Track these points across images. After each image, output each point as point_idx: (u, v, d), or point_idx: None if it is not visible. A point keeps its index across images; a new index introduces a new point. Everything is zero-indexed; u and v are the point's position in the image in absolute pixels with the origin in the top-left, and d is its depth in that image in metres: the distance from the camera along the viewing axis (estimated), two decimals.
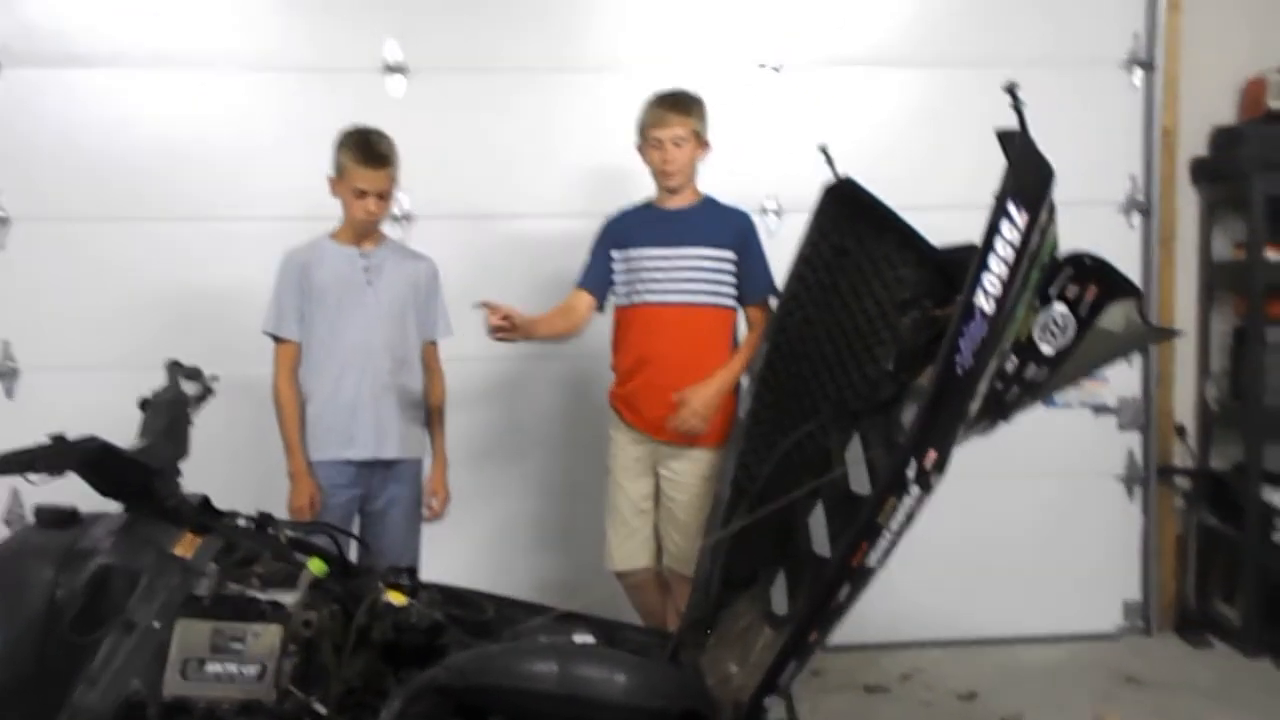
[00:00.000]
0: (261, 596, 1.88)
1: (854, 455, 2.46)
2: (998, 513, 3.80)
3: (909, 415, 2.39)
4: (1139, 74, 3.81)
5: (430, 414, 2.95)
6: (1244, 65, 3.85)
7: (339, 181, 2.80)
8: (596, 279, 3.03)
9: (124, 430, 3.29)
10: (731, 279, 2.97)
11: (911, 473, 1.83)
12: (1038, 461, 3.78)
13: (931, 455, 1.84)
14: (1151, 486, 3.87)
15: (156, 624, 1.79)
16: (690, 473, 2.93)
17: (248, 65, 3.55)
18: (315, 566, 2.03)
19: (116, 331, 3.51)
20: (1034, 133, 3.78)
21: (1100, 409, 3.84)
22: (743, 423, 2.75)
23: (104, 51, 3.52)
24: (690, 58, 3.67)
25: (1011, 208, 1.86)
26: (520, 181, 3.66)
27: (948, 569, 3.69)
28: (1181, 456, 3.92)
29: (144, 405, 2.19)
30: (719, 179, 3.47)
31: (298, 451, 2.78)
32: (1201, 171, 3.84)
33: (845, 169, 3.52)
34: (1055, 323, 2.09)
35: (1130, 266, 3.73)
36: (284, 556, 2.09)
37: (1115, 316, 2.10)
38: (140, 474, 1.96)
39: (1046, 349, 2.10)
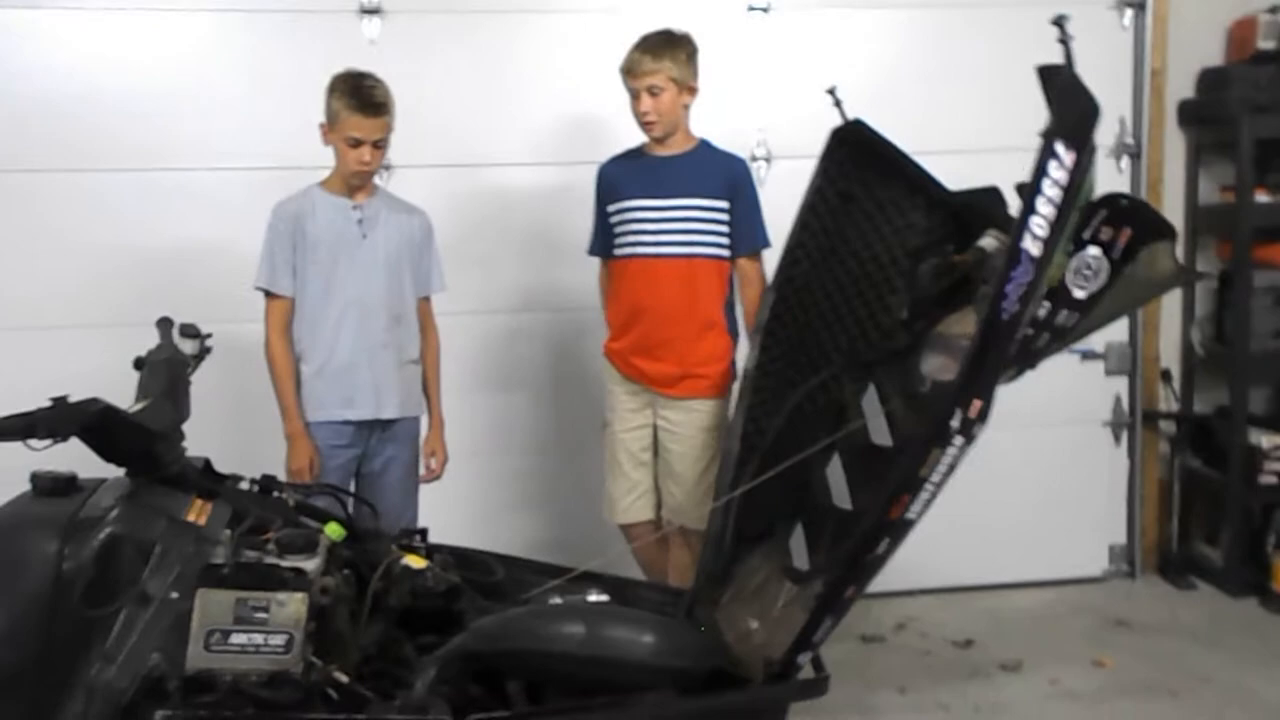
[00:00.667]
0: (282, 563, 1.79)
1: (870, 406, 2.43)
2: (985, 459, 3.70)
3: (929, 364, 2.35)
4: (1129, 14, 3.77)
5: (425, 371, 2.85)
6: (1232, 5, 3.83)
7: (331, 129, 2.67)
8: (605, 240, 2.97)
9: (93, 392, 3.21)
10: (725, 228, 2.89)
11: (956, 423, 1.79)
12: (1025, 408, 3.73)
13: (976, 405, 1.79)
14: (1137, 431, 3.90)
15: (174, 595, 1.70)
16: (688, 423, 2.90)
17: (214, 6, 3.36)
18: (332, 531, 1.94)
19: (77, 290, 3.35)
20: (1019, 76, 3.81)
21: (1088, 354, 3.84)
22: (750, 375, 2.69)
23: None
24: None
25: (1059, 147, 1.80)
26: (501, 128, 3.54)
27: (936, 516, 3.62)
28: (1166, 401, 3.95)
29: (139, 365, 2.07)
30: (706, 125, 3.41)
31: (295, 413, 2.67)
32: (1189, 114, 3.83)
33: (833, 114, 3.52)
34: (1088, 266, 2.05)
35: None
36: (296, 521, 2.00)
37: (1149, 259, 2.07)
38: (143, 438, 1.85)
39: (1079, 293, 2.05)
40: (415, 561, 2.04)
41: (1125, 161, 3.83)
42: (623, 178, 2.93)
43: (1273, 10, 3.72)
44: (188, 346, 2.14)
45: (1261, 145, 3.62)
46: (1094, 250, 2.04)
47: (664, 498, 2.99)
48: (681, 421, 2.90)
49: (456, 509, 3.28)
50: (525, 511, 3.67)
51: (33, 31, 3.31)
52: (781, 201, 3.52)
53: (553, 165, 3.53)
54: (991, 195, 2.39)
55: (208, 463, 2.08)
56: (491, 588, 2.25)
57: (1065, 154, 1.81)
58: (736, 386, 2.74)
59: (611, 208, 2.93)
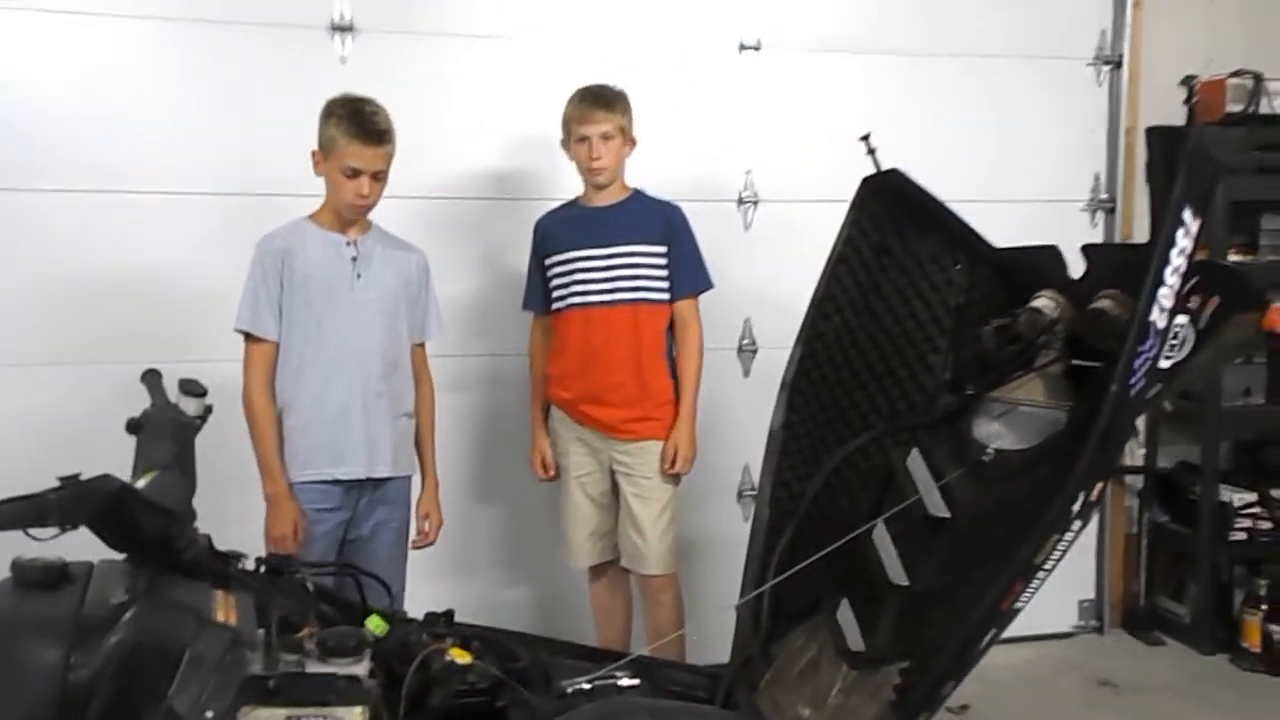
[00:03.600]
0: (330, 670, 1.53)
1: (918, 472, 2.29)
2: None
3: (984, 431, 2.23)
4: (1105, 71, 3.79)
5: (419, 425, 2.60)
6: (1196, 67, 3.89)
7: (325, 158, 2.42)
8: (543, 295, 2.95)
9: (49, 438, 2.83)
10: (664, 273, 2.89)
11: (1078, 506, 1.66)
12: None
13: (1098, 487, 1.67)
14: (1106, 486, 3.88)
15: (209, 714, 1.42)
16: (645, 465, 2.90)
17: (172, 14, 3.04)
18: (375, 626, 1.69)
19: (27, 324, 2.97)
20: (1003, 128, 3.79)
21: None
22: (776, 435, 2.52)
23: None
24: (667, 33, 3.41)
25: (1187, 214, 1.70)
26: (479, 158, 3.32)
27: None
28: (1131, 455, 3.95)
29: (135, 428, 1.78)
30: (691, 166, 3.26)
31: (277, 472, 2.39)
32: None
33: (820, 158, 3.42)
34: (1174, 335, 1.96)
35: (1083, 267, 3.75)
36: (323, 613, 1.75)
37: (1232, 330, 1.99)
38: (160, 520, 1.57)
39: (1164, 363, 1.96)
40: (460, 656, 1.80)
41: (1100, 216, 3.84)
42: (562, 230, 2.91)
43: (1238, 74, 3.79)
44: (190, 406, 1.85)
45: (1235, 206, 3.67)
46: (1183, 319, 1.95)
47: (624, 546, 2.94)
48: (637, 465, 2.89)
49: (422, 566, 3.03)
50: (494, 570, 3.42)
51: None
52: (767, 247, 3.41)
53: (533, 200, 3.31)
54: (1048, 254, 2.30)
55: (209, 541, 1.80)
56: (520, 675, 2.02)
57: (1192, 221, 1.72)
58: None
59: (551, 260, 2.90)
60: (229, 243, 2.73)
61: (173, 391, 1.92)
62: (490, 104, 3.29)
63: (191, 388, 1.87)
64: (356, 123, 2.38)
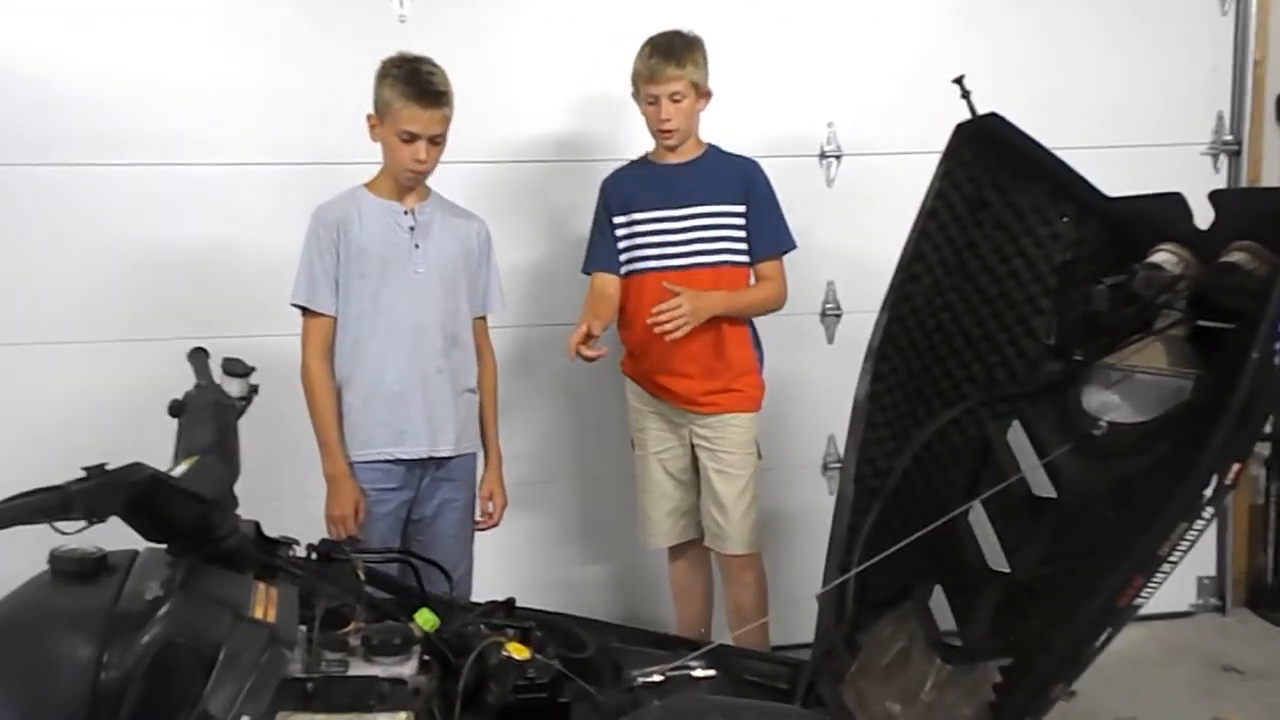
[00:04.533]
0: (375, 671, 1.42)
1: (1019, 446, 2.09)
2: None
3: (1095, 401, 2.02)
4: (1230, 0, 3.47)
5: (482, 401, 2.49)
6: None
7: (381, 122, 2.31)
8: (608, 255, 2.74)
9: (102, 414, 2.81)
10: (743, 234, 2.70)
11: (1209, 491, 1.46)
12: None
13: (1235, 469, 1.47)
14: (1245, 467, 3.60)
15: (246, 718, 1.33)
16: (725, 440, 2.74)
17: None
18: (424, 621, 1.58)
19: (81, 300, 2.93)
20: (1111, 65, 3.48)
21: None
22: (862, 406, 2.35)
23: None
24: None
25: None
26: (544, 119, 3.16)
27: None
28: None
29: (177, 410, 1.69)
30: (769, 120, 3.06)
31: (337, 450, 2.30)
32: None
33: (909, 107, 3.18)
34: None
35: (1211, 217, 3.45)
36: (374, 604, 1.64)
37: None
38: (197, 509, 1.47)
39: None
40: (517, 651, 1.67)
41: (1223, 160, 3.52)
42: (633, 190, 2.73)
43: None
44: (234, 387, 1.76)
45: None
46: None
47: (707, 524, 2.78)
48: (719, 439, 2.73)
49: (492, 545, 2.93)
50: (568, 546, 3.31)
51: (18, 8, 2.86)
52: (852, 204, 3.19)
53: (602, 161, 3.15)
54: (1169, 203, 2.06)
55: (257, 527, 1.70)
56: (585, 666, 1.90)
57: None
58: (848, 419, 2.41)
59: (622, 221, 2.71)
60: (289, 213, 2.62)
61: (217, 371, 1.82)
62: (555, 61, 3.13)
63: (235, 367, 1.78)
64: (412, 84, 2.25)
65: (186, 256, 2.93)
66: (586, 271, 2.79)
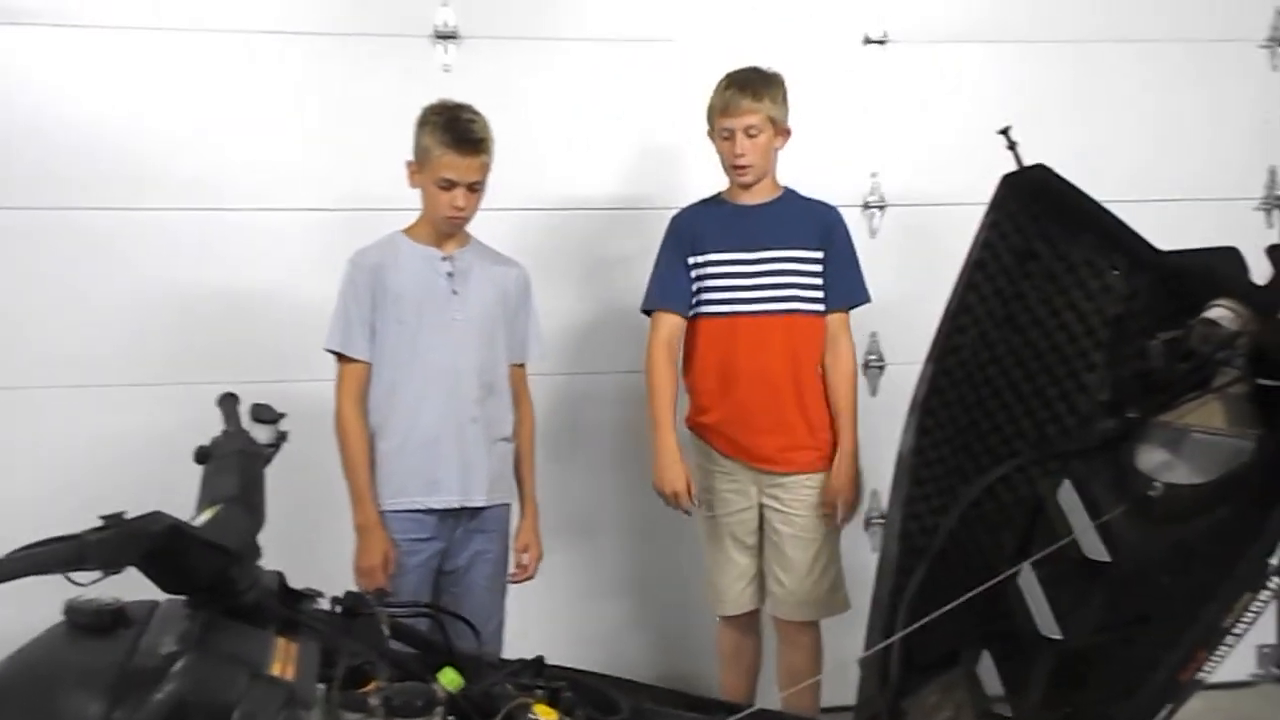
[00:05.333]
0: None
1: (1070, 505, 2.01)
2: None
3: (1150, 460, 1.93)
4: (1279, 54, 3.40)
5: (518, 450, 2.44)
6: None
7: (420, 169, 2.29)
8: (678, 293, 2.61)
9: (139, 456, 2.80)
10: (820, 281, 2.59)
11: (1277, 560, 1.38)
12: None
13: None
14: None
15: None
16: (799, 502, 2.58)
17: (270, 27, 2.96)
18: (449, 681, 1.52)
19: (118, 344, 2.92)
20: (1161, 120, 3.42)
21: None
22: (906, 460, 2.29)
23: (92, 6, 2.90)
24: (786, 28, 3.19)
25: None
26: (584, 168, 3.16)
27: None
28: None
29: (204, 457, 1.66)
30: (814, 168, 3.02)
31: (368, 499, 2.26)
32: None
33: (952, 158, 3.14)
34: None
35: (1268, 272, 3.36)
36: (403, 664, 1.58)
37: None
38: (218, 561, 1.43)
39: None
40: (545, 714, 1.61)
41: (1276, 215, 3.43)
42: (707, 228, 2.61)
43: None
44: (262, 434, 1.72)
45: None
46: None
47: (771, 587, 2.63)
48: (792, 501, 2.58)
49: (528, 598, 2.87)
50: (607, 600, 3.24)
51: (59, 52, 2.90)
52: (896, 255, 3.14)
53: (632, 210, 3.14)
54: (1225, 257, 1.99)
55: (281, 579, 1.66)
56: None
57: None
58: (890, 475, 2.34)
59: (694, 260, 2.59)
60: (326, 259, 2.61)
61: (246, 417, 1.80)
62: (599, 111, 3.13)
63: (263, 414, 1.74)
64: (451, 131, 2.24)
65: (219, 301, 2.94)
66: (649, 310, 2.64)
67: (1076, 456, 2.07)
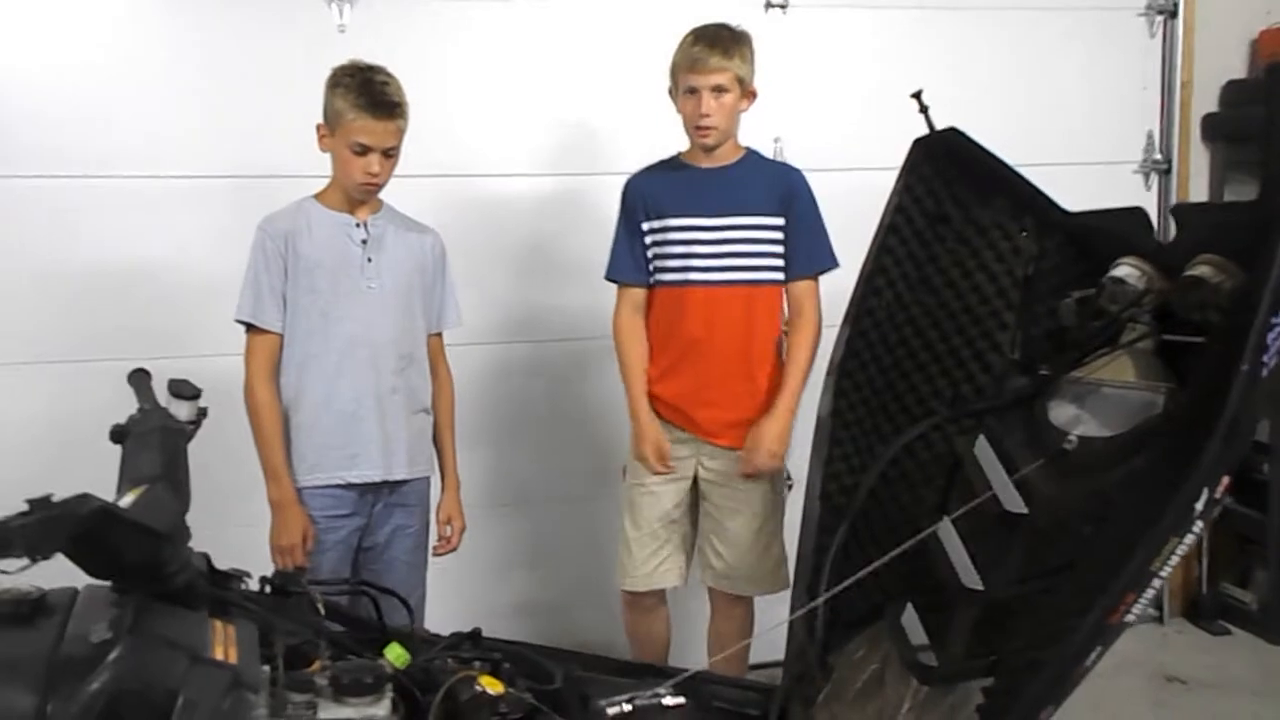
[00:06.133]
0: (346, 713, 1.33)
1: (987, 461, 2.07)
2: None
3: (1063, 415, 2.00)
4: (1158, 21, 3.54)
5: (438, 421, 2.39)
6: (1253, 16, 3.65)
7: (332, 133, 2.21)
8: (634, 264, 2.53)
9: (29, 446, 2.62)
10: (781, 249, 2.52)
11: (1201, 505, 1.44)
12: None
13: (1226, 481, 1.46)
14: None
15: None
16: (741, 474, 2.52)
17: None
18: (395, 657, 1.49)
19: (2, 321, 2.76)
20: (1045, 86, 3.54)
21: None
22: (825, 423, 2.32)
23: None
24: None
25: None
26: (492, 133, 3.09)
27: None
28: None
29: (120, 436, 1.57)
30: None
31: (284, 474, 2.19)
32: (1216, 129, 3.62)
33: (853, 122, 3.20)
34: None
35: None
36: (344, 644, 1.54)
37: None
38: (148, 543, 1.36)
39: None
40: (490, 685, 1.59)
41: (1154, 178, 3.60)
42: (662, 193, 2.52)
43: None
44: (182, 410, 1.64)
45: None
46: None
47: (709, 560, 2.59)
48: (734, 474, 2.52)
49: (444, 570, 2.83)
50: (521, 572, 3.23)
51: None
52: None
53: (551, 176, 3.11)
54: (1131, 218, 2.07)
55: (208, 560, 1.59)
56: (554, 698, 1.82)
57: None
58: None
59: (649, 227, 2.51)
60: (227, 229, 2.53)
61: (161, 392, 1.71)
62: (500, 73, 3.07)
63: (182, 389, 1.66)
64: (366, 94, 2.16)
65: (119, 274, 2.80)
66: (610, 279, 2.58)
67: (991, 413, 2.13)
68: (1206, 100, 3.65)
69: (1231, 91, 3.61)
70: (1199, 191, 3.66)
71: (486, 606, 2.89)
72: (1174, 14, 3.52)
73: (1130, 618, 1.51)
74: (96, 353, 2.71)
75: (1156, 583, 1.49)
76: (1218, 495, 1.45)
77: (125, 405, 1.71)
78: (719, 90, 2.41)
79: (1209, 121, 3.63)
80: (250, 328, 2.22)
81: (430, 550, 2.40)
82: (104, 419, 1.66)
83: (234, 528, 2.34)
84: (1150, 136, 3.59)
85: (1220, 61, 3.63)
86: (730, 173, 2.52)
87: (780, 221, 2.51)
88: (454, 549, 2.43)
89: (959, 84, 3.33)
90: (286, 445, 2.22)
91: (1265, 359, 1.43)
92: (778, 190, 2.52)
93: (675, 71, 2.48)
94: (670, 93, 2.52)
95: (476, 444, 3.01)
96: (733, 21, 2.54)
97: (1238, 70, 3.66)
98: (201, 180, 2.83)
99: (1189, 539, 1.46)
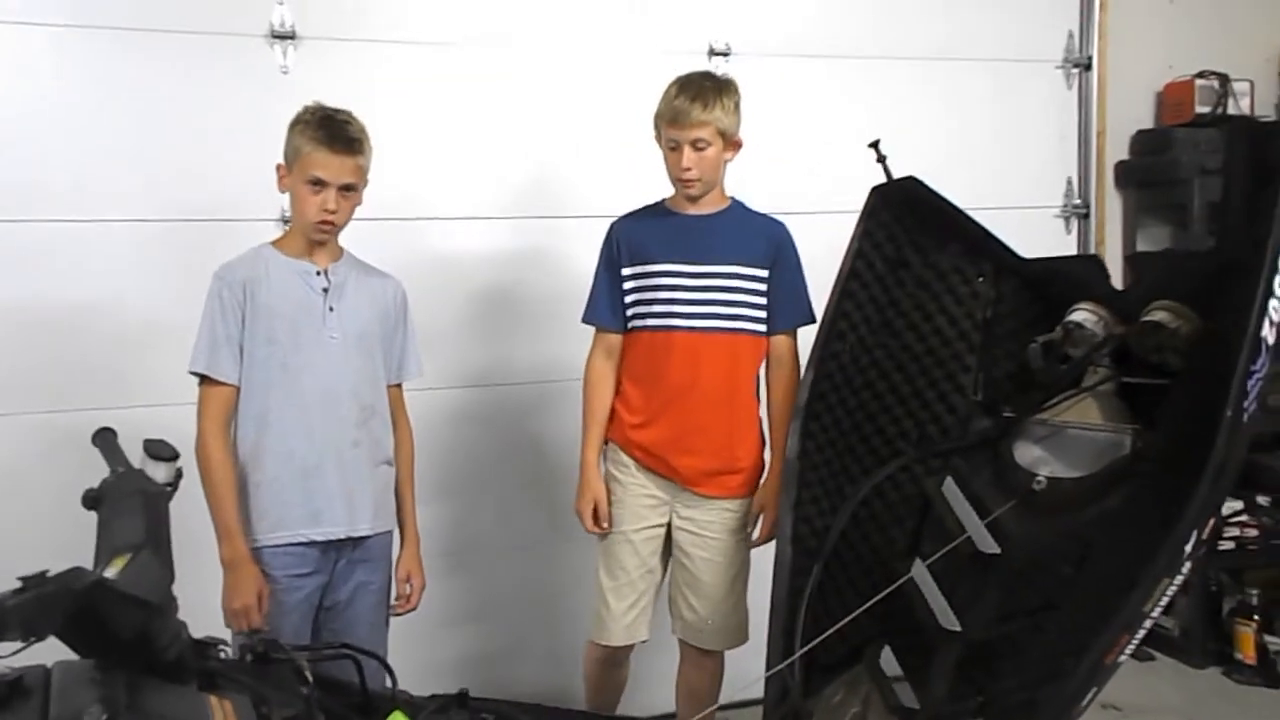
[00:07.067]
0: None
1: (956, 502, 2.11)
2: None
3: (1028, 455, 2.06)
4: (1074, 75, 3.71)
5: (399, 476, 2.32)
6: (1156, 70, 3.85)
7: (290, 170, 2.14)
8: (611, 309, 2.49)
9: None
10: (763, 300, 2.48)
11: (1190, 547, 1.49)
12: None
13: (1210, 523, 1.51)
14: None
15: None
16: (718, 525, 2.48)
17: (96, 24, 2.69)
18: None
19: None
20: (972, 135, 3.66)
21: None
22: (792, 465, 2.34)
23: None
24: (632, 39, 3.20)
25: None
26: (442, 177, 3.05)
27: None
28: None
29: (93, 501, 1.47)
30: (660, 180, 3.05)
31: (237, 532, 2.08)
32: (1128, 175, 3.80)
33: (799, 168, 3.25)
34: None
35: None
36: (336, 713, 1.48)
37: None
38: (139, 616, 1.28)
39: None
40: None
41: (1074, 222, 3.75)
42: (647, 239, 2.48)
43: (1202, 75, 3.75)
44: (159, 472, 1.56)
45: (1210, 208, 3.62)
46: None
47: (680, 612, 2.52)
48: (710, 524, 2.47)
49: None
50: (475, 625, 3.14)
51: None
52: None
53: (503, 220, 3.09)
54: (1087, 265, 2.16)
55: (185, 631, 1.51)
56: None
57: None
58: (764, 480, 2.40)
59: (632, 272, 2.47)
60: (165, 271, 2.44)
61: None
62: (444, 115, 3.03)
63: (159, 450, 1.57)
64: (324, 129, 2.10)
65: (50, 321, 2.65)
66: (587, 321, 2.53)
67: (957, 453, 2.18)
68: (1118, 148, 3.83)
69: (1141, 140, 3.80)
70: (1114, 235, 3.82)
71: (429, 661, 2.80)
72: (1089, 67, 3.68)
73: (1123, 658, 1.54)
74: (30, 405, 2.55)
75: (1148, 623, 1.52)
76: (1204, 536, 1.50)
77: (43, 459, 1.62)
78: (700, 144, 2.39)
79: (1121, 169, 3.81)
80: (204, 379, 2.12)
81: (390, 608, 2.31)
82: (23, 475, 1.56)
83: (181, 588, 2.24)
84: (1070, 182, 3.74)
85: (1130, 112, 3.82)
86: (716, 222, 2.49)
87: (764, 273, 2.48)
88: (414, 608, 2.34)
89: (892, 131, 3.41)
90: (243, 502, 2.12)
91: (1246, 404, 1.49)
92: (764, 243, 2.50)
93: (658, 121, 2.45)
94: (655, 139, 2.48)
95: (431, 490, 2.94)
96: (658, 69, 2.50)
97: (1146, 120, 3.85)
98: (138, 223, 2.72)
99: (1179, 580, 1.50)
